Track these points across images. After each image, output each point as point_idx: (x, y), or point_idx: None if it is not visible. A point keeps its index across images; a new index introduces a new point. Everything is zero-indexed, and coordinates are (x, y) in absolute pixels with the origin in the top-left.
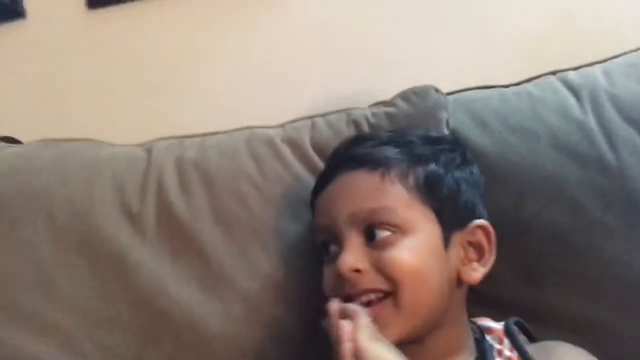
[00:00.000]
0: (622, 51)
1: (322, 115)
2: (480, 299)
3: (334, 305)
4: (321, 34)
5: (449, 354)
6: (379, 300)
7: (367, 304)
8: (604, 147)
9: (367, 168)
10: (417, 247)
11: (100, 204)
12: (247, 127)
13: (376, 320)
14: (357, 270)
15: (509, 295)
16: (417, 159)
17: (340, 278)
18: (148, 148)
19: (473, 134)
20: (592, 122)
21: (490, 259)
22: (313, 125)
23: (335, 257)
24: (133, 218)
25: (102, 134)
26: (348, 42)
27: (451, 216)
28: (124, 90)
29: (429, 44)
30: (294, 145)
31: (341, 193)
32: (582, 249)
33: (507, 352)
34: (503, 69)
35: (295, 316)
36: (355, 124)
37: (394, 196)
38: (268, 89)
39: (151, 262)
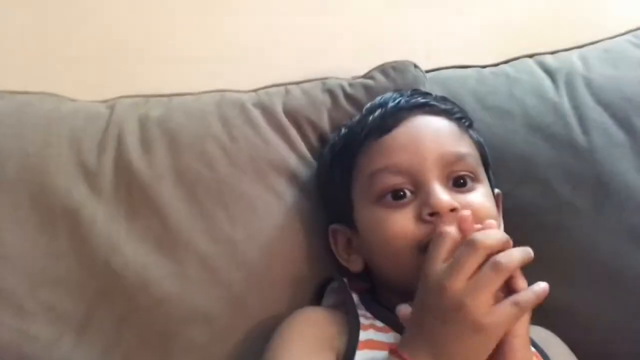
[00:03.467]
0: (599, 38)
1: (296, 83)
2: None
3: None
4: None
5: None
6: None
7: None
8: (576, 128)
9: (446, 116)
10: (489, 197)
11: (55, 160)
12: (218, 90)
13: None
14: (454, 210)
15: None
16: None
17: (421, 221)
18: (111, 105)
19: None
20: (566, 104)
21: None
22: (287, 92)
23: (408, 203)
24: (89, 175)
25: (64, 91)
26: (326, 19)
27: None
28: (90, 46)
29: (409, 24)
30: (266, 109)
31: (428, 134)
32: (550, 229)
33: None
34: (482, 51)
35: (252, 280)
36: (331, 92)
37: (471, 145)
38: (242, 61)
39: (106, 220)
